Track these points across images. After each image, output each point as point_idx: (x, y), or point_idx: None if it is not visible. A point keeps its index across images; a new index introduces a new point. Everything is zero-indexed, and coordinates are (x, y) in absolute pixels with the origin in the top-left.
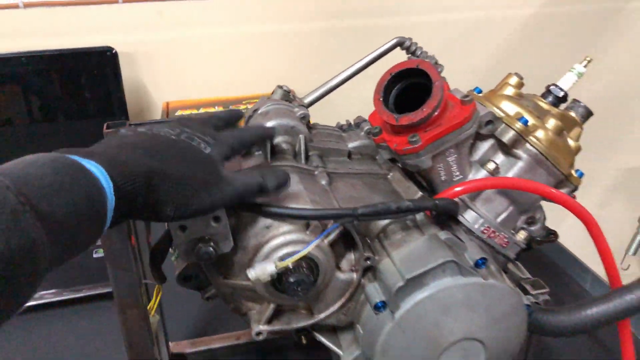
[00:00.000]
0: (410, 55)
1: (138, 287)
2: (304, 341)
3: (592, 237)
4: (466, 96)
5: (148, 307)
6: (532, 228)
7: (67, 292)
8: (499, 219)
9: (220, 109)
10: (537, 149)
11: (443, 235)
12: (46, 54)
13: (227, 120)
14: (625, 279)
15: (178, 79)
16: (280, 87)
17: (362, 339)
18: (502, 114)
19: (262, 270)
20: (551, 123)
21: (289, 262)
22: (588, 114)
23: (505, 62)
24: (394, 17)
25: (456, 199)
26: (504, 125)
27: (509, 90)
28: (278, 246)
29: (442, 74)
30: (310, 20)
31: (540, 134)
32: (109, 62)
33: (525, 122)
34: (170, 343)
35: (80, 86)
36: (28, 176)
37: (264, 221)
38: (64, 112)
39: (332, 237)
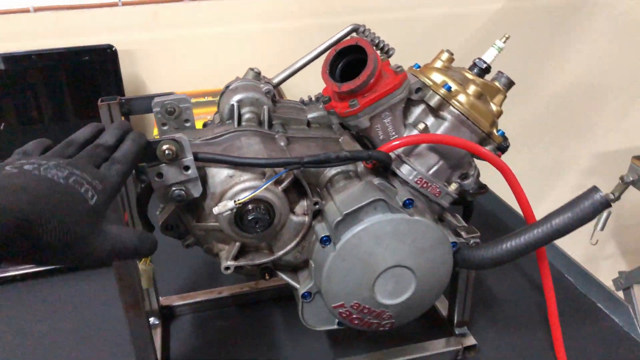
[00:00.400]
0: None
1: None
2: (267, 277)
3: (507, 183)
4: (398, 67)
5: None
6: (465, 182)
7: None
8: (431, 172)
9: (210, 99)
10: (458, 111)
11: (376, 181)
12: (53, 52)
13: (114, 146)
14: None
15: (172, 73)
16: (251, 69)
17: (313, 271)
18: (430, 83)
19: (223, 205)
20: (471, 89)
21: (244, 200)
22: (510, 83)
23: (473, 56)
24: (371, 14)
25: (391, 153)
26: (431, 91)
27: (439, 64)
28: (239, 191)
29: (394, 57)
30: (293, 19)
31: (461, 98)
32: (109, 59)
33: (449, 88)
34: (160, 297)
35: (84, 80)
36: None
37: (227, 171)
38: (69, 105)
39: (284, 184)
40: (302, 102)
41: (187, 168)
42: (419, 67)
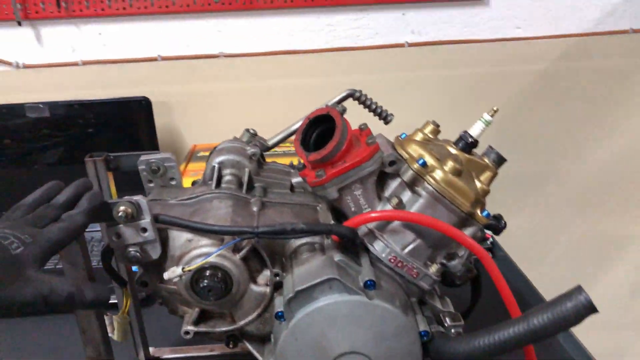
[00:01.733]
0: (361, 104)
1: None
2: (231, 346)
3: (488, 271)
4: (371, 138)
5: (121, 310)
6: (451, 263)
7: None
8: (406, 250)
9: None
10: (433, 188)
11: (337, 257)
12: (94, 102)
13: (66, 205)
14: None
15: (205, 125)
16: (247, 130)
17: (272, 346)
18: (406, 156)
19: (172, 272)
20: (449, 165)
21: (194, 267)
22: (500, 159)
23: (508, 117)
24: (393, 72)
25: (363, 227)
26: (405, 165)
27: (419, 136)
28: (196, 256)
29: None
30: (313, 77)
31: (437, 174)
32: (143, 110)
33: (424, 164)
34: (152, 348)
35: (122, 129)
36: None
37: (186, 235)
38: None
39: (243, 252)
40: (292, 166)
41: (144, 230)
42: (405, 136)
